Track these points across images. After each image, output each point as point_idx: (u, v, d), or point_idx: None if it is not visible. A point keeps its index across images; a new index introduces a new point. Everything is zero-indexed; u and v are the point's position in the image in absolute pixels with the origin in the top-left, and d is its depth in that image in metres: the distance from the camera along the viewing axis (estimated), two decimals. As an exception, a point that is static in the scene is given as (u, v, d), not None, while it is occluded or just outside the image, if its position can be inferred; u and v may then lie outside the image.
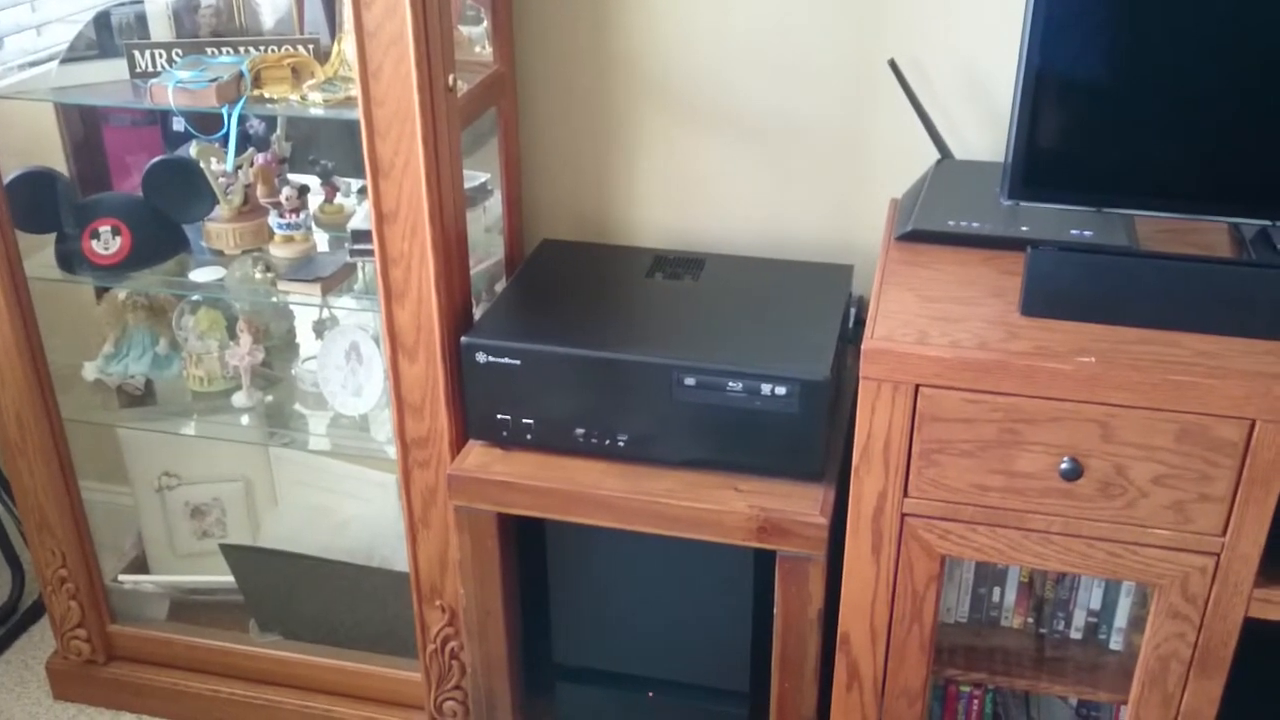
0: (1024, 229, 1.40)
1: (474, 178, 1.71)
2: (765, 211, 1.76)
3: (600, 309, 1.56)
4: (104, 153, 1.91)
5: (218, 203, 1.68)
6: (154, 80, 1.53)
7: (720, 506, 1.42)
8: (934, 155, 1.59)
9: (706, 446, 1.45)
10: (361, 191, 1.77)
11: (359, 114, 1.40)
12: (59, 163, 1.81)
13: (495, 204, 1.76)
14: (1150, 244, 1.39)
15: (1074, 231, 1.36)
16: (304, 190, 1.71)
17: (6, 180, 1.64)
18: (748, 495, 1.43)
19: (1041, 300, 1.27)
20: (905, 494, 1.29)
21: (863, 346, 1.23)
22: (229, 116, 1.51)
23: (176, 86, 1.50)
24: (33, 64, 1.70)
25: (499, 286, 1.75)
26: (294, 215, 1.68)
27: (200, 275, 1.71)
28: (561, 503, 1.48)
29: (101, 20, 1.63)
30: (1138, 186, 1.27)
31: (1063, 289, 1.26)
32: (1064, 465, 1.22)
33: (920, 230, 1.43)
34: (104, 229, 1.68)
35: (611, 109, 1.75)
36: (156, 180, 1.67)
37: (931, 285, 1.34)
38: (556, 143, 1.80)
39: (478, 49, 1.68)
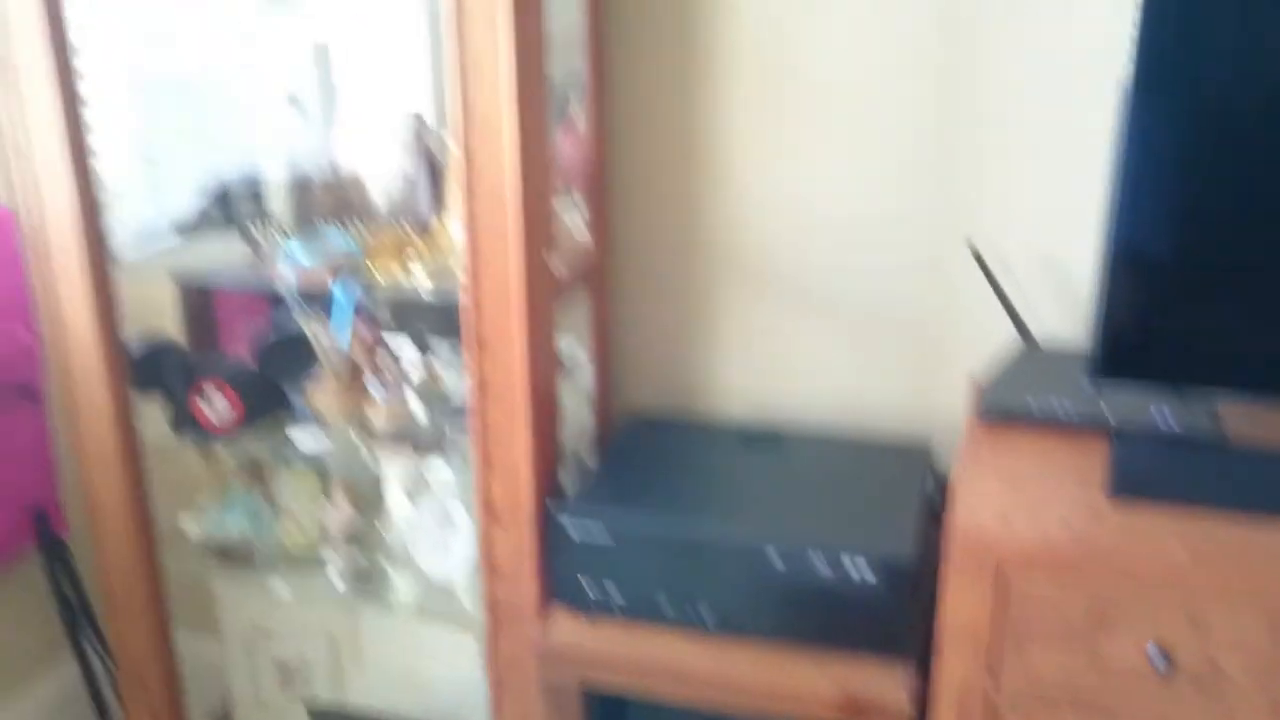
0: (1104, 406, 1.42)
1: (564, 350, 1.78)
2: (845, 385, 1.80)
3: (687, 486, 1.60)
4: (214, 313, 2.03)
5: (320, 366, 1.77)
6: (270, 257, 1.64)
7: (803, 684, 1.42)
8: (1012, 332, 1.62)
9: (791, 622, 1.45)
10: (459, 362, 1.85)
11: (462, 293, 1.49)
12: (171, 322, 1.92)
13: (585, 376, 1.83)
14: (1235, 424, 1.39)
15: (1154, 409, 1.38)
16: (404, 360, 1.79)
17: (137, 356, 1.75)
18: (831, 672, 1.43)
19: (1128, 485, 1.28)
20: (991, 679, 1.28)
21: (947, 531, 1.24)
22: (340, 293, 1.61)
23: (293, 266, 1.60)
24: (150, 233, 1.82)
25: (587, 458, 1.80)
26: (393, 384, 1.76)
27: (303, 441, 1.79)
28: (645, 678, 1.49)
29: (219, 192, 1.76)
30: (1223, 373, 1.29)
31: (1149, 475, 1.27)
32: (1155, 655, 1.21)
33: (1001, 410, 1.46)
34: (218, 397, 1.77)
35: (697, 288, 1.83)
36: (271, 356, 1.78)
37: (1014, 467, 1.36)
38: (644, 318, 1.87)
39: (572, 231, 1.77)
